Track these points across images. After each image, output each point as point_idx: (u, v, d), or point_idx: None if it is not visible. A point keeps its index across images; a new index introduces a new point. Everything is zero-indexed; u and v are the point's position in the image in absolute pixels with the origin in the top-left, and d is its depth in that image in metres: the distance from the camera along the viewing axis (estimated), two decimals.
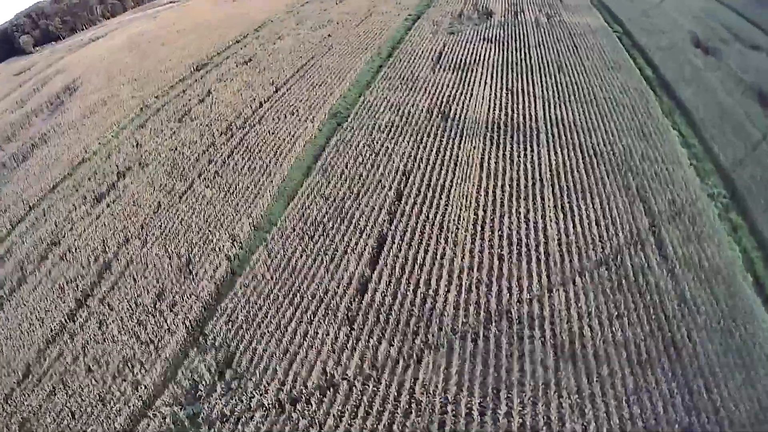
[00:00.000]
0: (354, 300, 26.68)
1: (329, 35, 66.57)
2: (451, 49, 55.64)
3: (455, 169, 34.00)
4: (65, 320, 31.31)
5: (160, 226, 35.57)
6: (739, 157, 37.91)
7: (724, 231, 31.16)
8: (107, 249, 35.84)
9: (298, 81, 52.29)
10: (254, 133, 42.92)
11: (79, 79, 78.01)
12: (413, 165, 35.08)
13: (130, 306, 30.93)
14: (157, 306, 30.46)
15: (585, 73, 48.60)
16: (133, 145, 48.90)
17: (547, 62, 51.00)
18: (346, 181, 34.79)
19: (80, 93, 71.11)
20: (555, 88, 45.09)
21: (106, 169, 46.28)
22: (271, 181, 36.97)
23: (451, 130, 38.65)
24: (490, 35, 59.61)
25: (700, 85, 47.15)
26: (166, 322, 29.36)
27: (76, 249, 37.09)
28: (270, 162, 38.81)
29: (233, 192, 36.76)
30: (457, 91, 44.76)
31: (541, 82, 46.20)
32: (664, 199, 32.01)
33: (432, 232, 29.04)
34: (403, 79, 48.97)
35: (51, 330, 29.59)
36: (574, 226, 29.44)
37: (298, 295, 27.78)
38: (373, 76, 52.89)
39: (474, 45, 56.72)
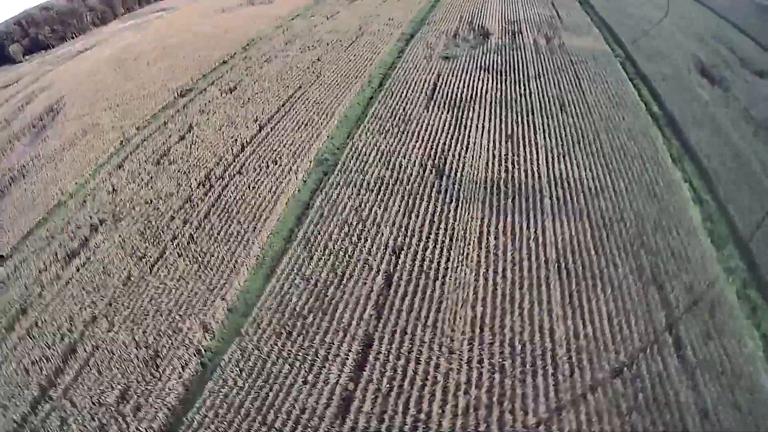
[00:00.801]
0: (334, 423, 22.49)
1: (318, 59, 61.52)
2: (446, 81, 50.88)
3: (451, 246, 29.64)
4: (28, 412, 27.41)
5: (129, 305, 31.35)
6: (756, 218, 33.78)
7: (744, 316, 27.23)
8: (74, 327, 31.83)
9: (284, 117, 47.60)
10: (233, 187, 38.41)
11: (63, 100, 72.92)
12: (404, 239, 30.70)
13: (93, 404, 26.93)
14: (120, 407, 26.44)
15: (589, 112, 44.02)
16: (108, 191, 44.38)
17: (549, 98, 46.40)
18: (330, 256, 30.45)
19: (62, 117, 66.18)
20: (558, 134, 40.61)
21: (80, 219, 41.82)
22: (249, 252, 32.63)
23: (446, 192, 34.21)
24: (487, 62, 54.79)
25: (710, 125, 43.03)
26: (128, 429, 25.25)
27: (43, 322, 33.06)
28: (248, 227, 34.40)
29: (207, 265, 32.40)
30: (452, 138, 40.20)
31: (543, 125, 41.67)
32: (681, 283, 27.85)
33: (425, 335, 24.80)
34: (394, 118, 44.30)
35: (14, 423, 25.67)
36: (584, 326, 25.27)
37: (272, 411, 23.70)
38: (363, 112, 48.29)
39: (470, 75, 51.95)
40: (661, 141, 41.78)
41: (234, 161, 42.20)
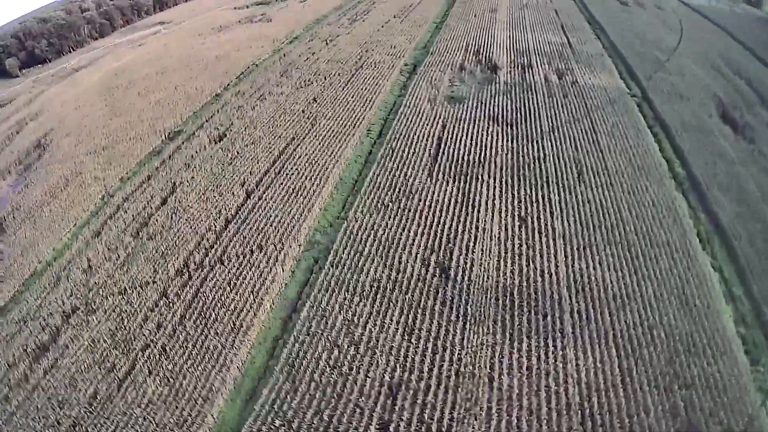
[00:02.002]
0: None
1: (314, 98, 55.59)
2: (452, 135, 45.15)
3: (457, 387, 24.23)
4: None
5: None
6: None
7: None
8: None
9: (273, 182, 42.11)
10: (212, 282, 33.17)
11: (50, 135, 67.70)
12: (403, 373, 25.28)
13: None
14: None
15: (609, 183, 38.41)
16: (83, 269, 39.23)
17: (565, 162, 40.66)
18: (316, 393, 25.13)
19: (47, 157, 61.01)
20: (576, 215, 34.96)
21: (53, 302, 36.74)
22: (225, 376, 27.33)
23: (452, 304, 28.65)
24: (496, 110, 48.87)
25: (737, 190, 38.15)
26: None
27: None
28: (227, 339, 29.21)
29: (179, 389, 27.26)
30: (458, 221, 34.67)
31: (560, 202, 36.05)
32: (717, 422, 22.63)
33: None
34: (394, 189, 38.71)
35: None
36: None
37: None
38: (361, 174, 42.71)
39: (478, 127, 46.14)
40: (688, 217, 36.09)
41: (216, 242, 36.73)
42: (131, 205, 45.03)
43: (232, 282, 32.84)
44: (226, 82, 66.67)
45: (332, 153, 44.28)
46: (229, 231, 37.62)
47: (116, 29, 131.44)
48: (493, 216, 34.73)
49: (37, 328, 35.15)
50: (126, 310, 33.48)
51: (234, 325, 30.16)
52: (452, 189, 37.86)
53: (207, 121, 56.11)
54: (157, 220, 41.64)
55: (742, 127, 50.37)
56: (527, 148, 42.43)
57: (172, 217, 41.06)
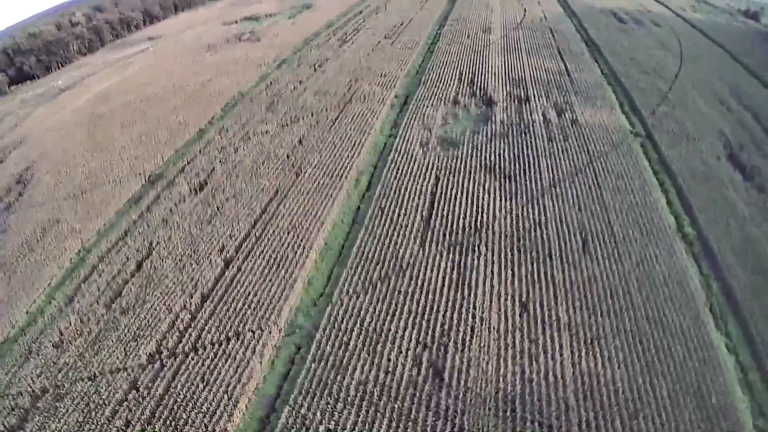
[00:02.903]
0: None
1: (300, 140, 51.15)
2: (446, 192, 41.00)
3: None
4: None
5: None
6: None
7: None
8: None
9: (254, 248, 37.87)
10: (185, 376, 29.14)
11: (32, 169, 63.01)
12: None
13: None
14: None
15: (617, 254, 34.37)
16: (55, 344, 35.19)
17: (568, 228, 36.60)
18: None
19: (27, 197, 56.22)
20: (582, 297, 30.92)
21: (22, 381, 32.70)
22: None
23: (446, 416, 24.75)
24: (493, 159, 44.78)
25: (751, 256, 34.44)
26: None
27: None
28: None
29: None
30: (454, 306, 30.62)
31: (565, 282, 32.02)
32: None
33: None
34: (383, 263, 34.64)
35: None
36: None
37: None
38: (349, 237, 38.50)
39: (474, 182, 41.84)
40: (701, 288, 32.22)
41: (191, 324, 32.61)
42: (106, 267, 40.75)
43: (206, 376, 28.78)
44: (211, 115, 61.99)
45: (317, 213, 39.93)
46: (204, 311, 33.41)
47: (105, 44, 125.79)
48: (491, 301, 30.61)
49: (7, 408, 31.34)
50: (95, 401, 29.50)
51: (206, 429, 26.02)
52: (446, 264, 33.65)
53: (189, 163, 51.56)
54: (130, 290, 37.44)
55: (751, 172, 46.28)
56: (527, 210, 38.16)
57: (146, 288, 36.81)
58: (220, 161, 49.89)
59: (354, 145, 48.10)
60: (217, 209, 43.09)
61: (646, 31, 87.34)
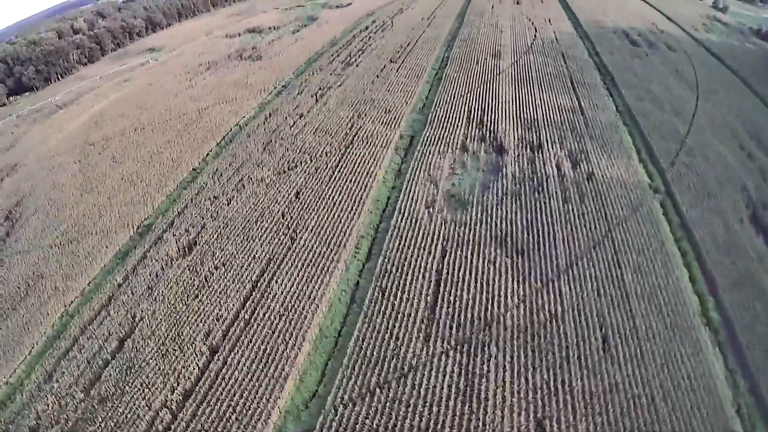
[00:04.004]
0: None
1: (297, 193, 46.29)
2: (453, 272, 36.16)
3: None
4: None
5: None
6: None
7: None
8: None
9: (242, 336, 33.47)
10: None
11: (21, 206, 58.78)
12: None
13: None
14: None
15: (640, 354, 30.09)
16: (31, 429, 30.98)
17: (587, 322, 31.97)
18: None
19: (13, 242, 52.50)
20: (604, 413, 26.73)
21: None
22: None
23: None
24: (504, 227, 40.06)
25: None
26: None
27: None
28: None
29: None
30: (460, 426, 25.95)
31: (583, 392, 27.81)
32: None
33: None
34: (382, 364, 30.30)
35: None
36: None
37: None
38: (345, 322, 34.15)
39: (483, 257, 37.10)
40: (728, 391, 28.10)
41: (170, 428, 28.38)
42: (87, 341, 36.85)
43: None
44: (206, 151, 57.19)
45: (312, 292, 35.36)
46: (186, 411, 29.23)
47: (106, 53, 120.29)
48: (503, 416, 26.09)
49: None
50: None
51: None
52: (453, 367, 29.19)
53: (179, 215, 46.94)
54: (110, 375, 33.38)
55: None
56: (542, 297, 33.47)
57: (126, 376, 32.71)
58: (211, 216, 45.17)
59: (354, 202, 43.25)
60: (205, 279, 38.49)
61: (660, 56, 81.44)
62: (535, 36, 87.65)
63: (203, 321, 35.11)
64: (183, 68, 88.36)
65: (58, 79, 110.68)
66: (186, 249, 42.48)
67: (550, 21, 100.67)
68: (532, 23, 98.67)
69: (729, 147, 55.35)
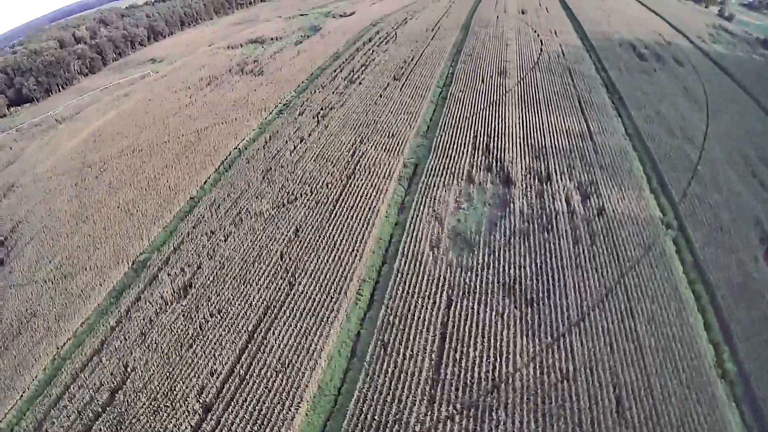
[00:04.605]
0: None
1: (296, 231, 44.16)
2: (458, 324, 34.14)
3: None
4: None
5: None
6: None
7: None
8: None
9: (236, 395, 31.61)
10: None
11: (16, 233, 57.47)
12: None
13: None
14: None
15: (655, 415, 28.60)
16: None
17: (600, 382, 30.09)
18: None
19: (7, 273, 50.84)
20: None
21: None
22: None
23: None
24: (513, 272, 37.94)
25: None
26: None
27: None
28: None
29: None
30: None
31: None
32: None
33: None
34: (383, 428, 27.74)
35: None
36: None
37: None
38: (345, 379, 32.23)
39: (490, 307, 34.91)
40: None
41: None
42: (78, 390, 35.09)
43: None
44: (203, 179, 55.12)
45: (311, 345, 33.38)
46: None
47: (108, 63, 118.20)
48: None
49: None
50: None
51: None
52: None
53: (175, 251, 44.97)
54: (100, 430, 31.18)
55: None
56: (553, 353, 31.36)
57: None
58: (207, 254, 43.10)
59: (356, 242, 41.08)
60: (200, 328, 36.47)
61: (668, 72, 78.78)
62: (541, 50, 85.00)
63: (197, 375, 33.11)
64: (183, 83, 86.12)
65: (59, 90, 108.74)
66: (181, 291, 40.49)
67: (555, 33, 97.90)
68: (538, 35, 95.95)
69: (740, 174, 53.04)
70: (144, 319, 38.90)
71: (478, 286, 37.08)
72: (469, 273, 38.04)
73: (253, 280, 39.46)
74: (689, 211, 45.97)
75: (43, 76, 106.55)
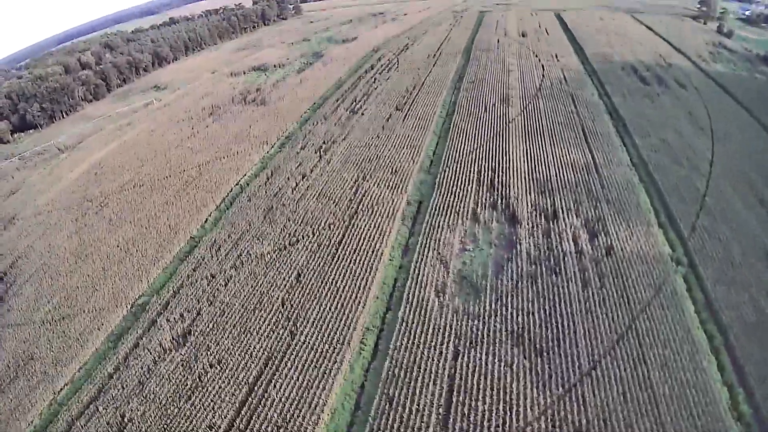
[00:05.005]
0: None
1: (298, 276, 43.16)
2: (466, 378, 33.01)
3: None
4: None
5: None
6: None
7: None
8: None
9: None
10: None
11: (15, 268, 56.80)
12: None
13: None
14: None
15: None
16: None
17: None
18: None
19: (5, 312, 49.72)
20: None
21: None
22: None
23: None
24: (521, 319, 36.78)
25: None
26: None
27: None
28: None
29: None
30: None
31: None
32: None
33: None
34: None
35: None
36: None
37: None
38: None
39: (499, 358, 33.72)
40: None
41: None
42: None
43: None
44: (204, 217, 54.42)
45: (313, 399, 32.26)
46: None
47: (112, 89, 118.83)
48: None
49: None
50: None
51: None
52: None
53: (174, 295, 44.07)
54: None
55: None
56: (565, 405, 30.15)
57: None
58: (207, 299, 42.20)
59: (359, 288, 40.10)
60: (199, 378, 35.33)
61: (671, 96, 78.33)
62: (543, 76, 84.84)
63: (195, 429, 31.90)
64: (186, 113, 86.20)
65: (63, 116, 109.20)
66: (180, 339, 39.47)
67: (557, 57, 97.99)
68: (539, 60, 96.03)
69: (748, 204, 51.95)
70: (142, 368, 37.83)
71: (485, 336, 35.93)
72: (476, 321, 36.91)
73: (253, 329, 38.41)
74: (699, 245, 44.88)
75: (47, 102, 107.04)
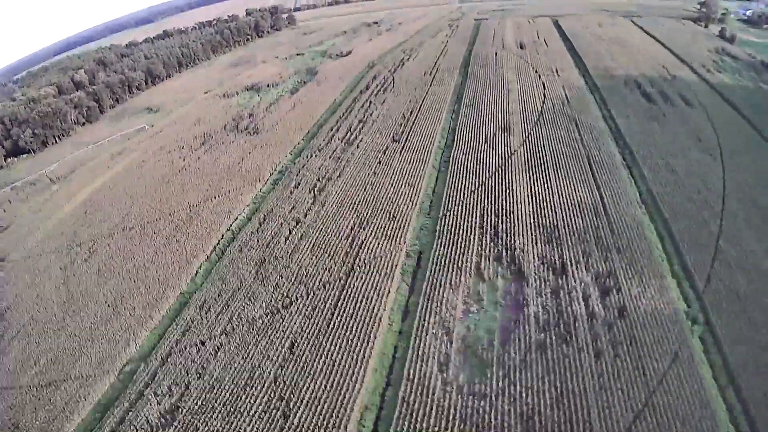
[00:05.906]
0: None
1: (291, 347, 40.32)
2: None
3: None
4: None
5: None
6: None
7: None
8: None
9: None
10: None
11: (4, 321, 53.85)
12: None
13: None
14: None
15: None
16: None
17: None
18: None
19: None
20: None
21: None
22: None
23: None
24: (531, 400, 34.04)
25: None
26: None
27: None
28: None
29: None
30: None
31: None
32: None
33: None
34: None
35: None
36: None
37: None
38: None
39: None
40: None
41: None
42: None
43: None
44: (194, 270, 51.47)
45: None
46: None
47: (105, 111, 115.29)
48: None
49: None
50: None
51: None
52: None
53: (162, 365, 41.15)
54: None
55: None
56: None
57: None
58: (196, 371, 39.33)
59: (356, 360, 37.17)
60: None
61: (677, 115, 74.92)
62: (544, 97, 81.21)
63: None
64: (177, 142, 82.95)
65: (56, 141, 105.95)
66: (168, 416, 36.69)
67: (557, 71, 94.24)
68: (539, 75, 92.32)
69: (765, 246, 48.75)
70: None
71: (492, 419, 32.97)
72: (482, 402, 33.99)
73: (244, 410, 35.55)
74: (714, 300, 41.88)
75: (40, 128, 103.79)
